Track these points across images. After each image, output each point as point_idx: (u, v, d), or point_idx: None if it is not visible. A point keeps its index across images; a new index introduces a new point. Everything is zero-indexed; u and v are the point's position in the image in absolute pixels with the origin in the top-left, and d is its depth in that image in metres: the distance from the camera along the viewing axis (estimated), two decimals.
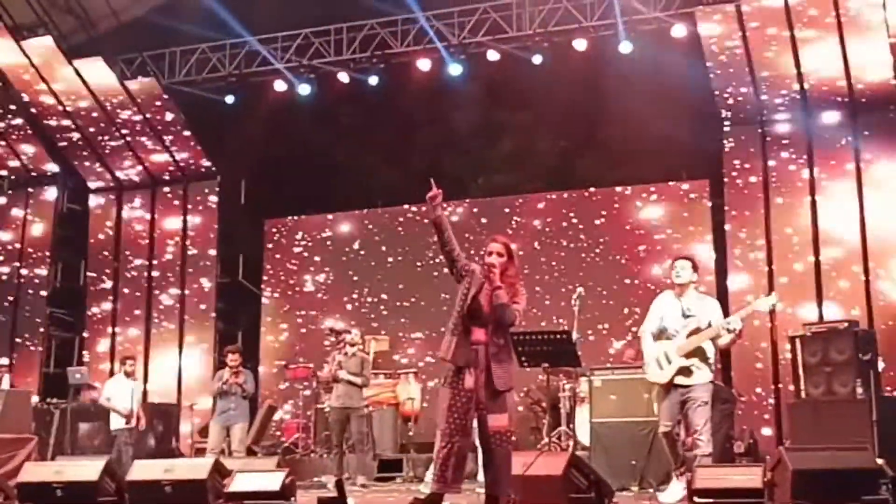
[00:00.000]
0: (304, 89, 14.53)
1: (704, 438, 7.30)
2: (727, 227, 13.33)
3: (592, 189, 14.79)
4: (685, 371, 7.44)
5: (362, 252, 15.73)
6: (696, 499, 6.17)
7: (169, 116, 15.41)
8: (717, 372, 12.10)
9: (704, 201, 14.07)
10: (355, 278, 15.63)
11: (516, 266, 6.21)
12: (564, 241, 14.67)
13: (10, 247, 16.29)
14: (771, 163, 13.26)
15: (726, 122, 13.42)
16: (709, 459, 7.28)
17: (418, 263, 15.15)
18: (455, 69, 13.86)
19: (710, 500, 6.10)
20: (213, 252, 15.81)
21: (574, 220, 14.75)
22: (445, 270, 15.25)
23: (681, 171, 14.07)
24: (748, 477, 6.24)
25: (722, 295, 13.22)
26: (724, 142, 13.44)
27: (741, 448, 11.04)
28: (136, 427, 11.79)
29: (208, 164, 15.93)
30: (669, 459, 7.73)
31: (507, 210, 15.15)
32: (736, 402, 10.80)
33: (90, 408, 12.42)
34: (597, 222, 14.61)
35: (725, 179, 13.44)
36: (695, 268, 7.69)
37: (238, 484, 7.15)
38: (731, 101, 13.24)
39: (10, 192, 16.46)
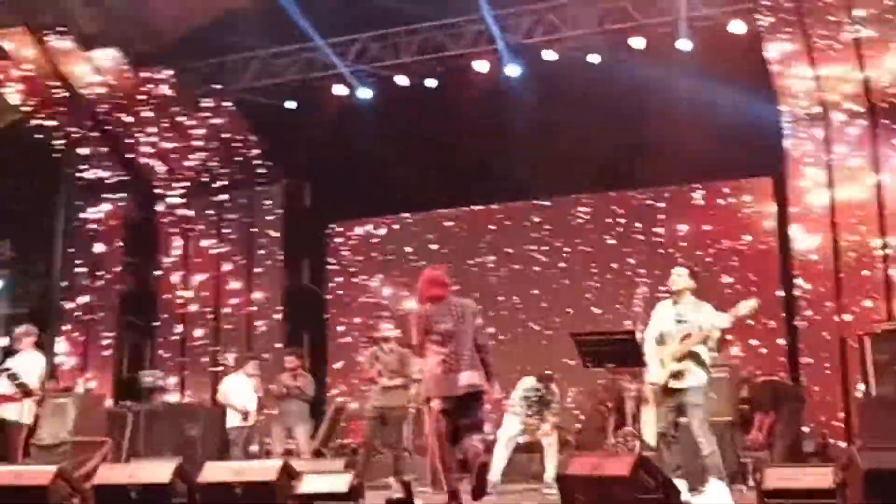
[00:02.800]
0: (365, 93, 14.67)
1: (703, 440, 7.47)
2: (791, 224, 13.14)
3: (654, 189, 14.67)
4: (678, 375, 7.62)
5: (421, 254, 15.77)
6: (766, 500, 6.11)
7: (233, 123, 15.67)
8: (784, 370, 12.13)
9: (767, 199, 13.90)
10: (413, 278, 15.63)
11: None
12: (628, 241, 14.57)
13: (85, 254, 16.66)
14: (834, 159, 13.04)
15: (787, 119, 13.21)
16: (711, 459, 7.40)
17: (469, 262, 15.26)
18: (513, 70, 13.88)
19: (781, 501, 6.03)
20: (280, 255, 16.04)
21: (637, 220, 14.65)
22: (502, 271, 15.35)
23: (743, 170, 13.89)
24: (819, 477, 6.16)
25: (788, 293, 13.09)
26: (786, 139, 13.22)
27: (811, 448, 10.90)
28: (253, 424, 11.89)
29: (274, 168, 16.14)
30: (670, 462, 7.68)
31: (569, 210, 15.11)
32: (804, 402, 10.68)
33: (162, 409, 12.68)
34: (660, 221, 14.51)
35: (788, 176, 13.24)
36: (692, 275, 7.88)
37: (307, 486, 7.25)
38: (791, 96, 13.03)
39: (83, 201, 16.84)
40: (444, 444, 6.88)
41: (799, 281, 12.89)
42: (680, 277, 7.85)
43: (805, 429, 11.06)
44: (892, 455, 6.52)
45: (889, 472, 6.28)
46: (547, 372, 11.05)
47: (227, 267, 16.30)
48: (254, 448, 11.82)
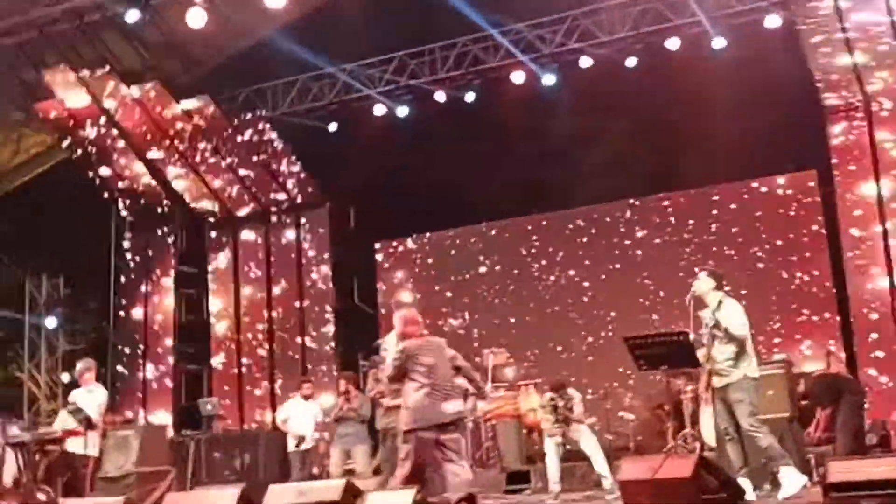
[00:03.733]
0: (403, 111, 14.81)
1: (757, 433, 7.51)
2: (841, 216, 13.00)
3: (698, 189, 14.55)
4: (715, 375, 7.75)
5: (469, 267, 15.82)
6: (831, 493, 6.04)
7: (276, 147, 15.87)
8: (841, 363, 11.99)
9: (814, 191, 13.76)
10: (459, 293, 15.76)
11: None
12: (680, 241, 14.43)
13: (136, 287, 16.93)
14: (879, 147, 12.89)
15: (830, 108, 13.09)
16: (770, 450, 7.44)
17: (515, 271, 15.27)
18: (549, 79, 13.93)
19: (846, 494, 5.96)
20: (328, 277, 16.17)
21: (688, 220, 14.51)
22: (550, 279, 15.22)
23: (787, 163, 13.77)
24: (884, 468, 6.07)
25: (840, 283, 12.95)
26: (829, 129, 13.11)
27: (874, 440, 10.75)
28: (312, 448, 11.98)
29: (317, 191, 16.29)
30: (735, 461, 7.70)
31: (618, 214, 15.01)
32: (864, 394, 10.54)
33: (222, 436, 12.80)
34: (707, 221, 14.37)
35: (834, 161, 13.12)
36: (714, 278, 7.92)
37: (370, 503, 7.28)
38: (832, 87, 12.92)
39: (132, 235, 17.09)
40: (428, 473, 7.39)
41: (855, 271, 12.76)
42: (698, 283, 7.93)
43: (867, 421, 10.91)
44: None
45: None
46: (559, 379, 10.92)
47: (276, 291, 16.47)
48: (314, 471, 11.87)
